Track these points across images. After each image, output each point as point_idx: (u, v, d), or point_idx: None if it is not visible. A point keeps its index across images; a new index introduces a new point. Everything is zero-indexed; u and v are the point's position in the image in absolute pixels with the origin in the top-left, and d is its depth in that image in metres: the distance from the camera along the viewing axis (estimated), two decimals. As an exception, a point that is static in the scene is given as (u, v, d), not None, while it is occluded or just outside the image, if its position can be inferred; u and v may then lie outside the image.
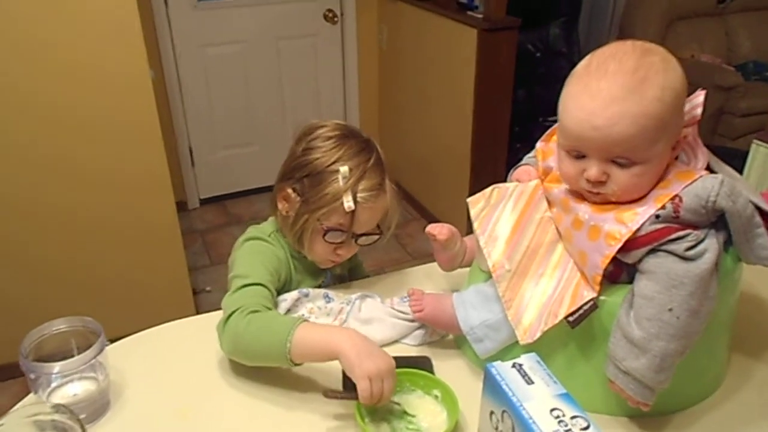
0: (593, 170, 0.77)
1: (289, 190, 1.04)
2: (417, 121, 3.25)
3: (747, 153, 1.51)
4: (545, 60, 3.33)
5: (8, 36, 1.77)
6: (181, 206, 3.25)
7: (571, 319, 0.78)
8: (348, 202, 0.98)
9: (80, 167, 2.00)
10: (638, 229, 0.75)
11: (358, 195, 0.99)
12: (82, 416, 0.81)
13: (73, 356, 0.82)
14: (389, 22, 3.31)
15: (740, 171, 1.44)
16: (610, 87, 0.73)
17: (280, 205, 1.06)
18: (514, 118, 2.73)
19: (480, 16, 2.57)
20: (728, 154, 1.11)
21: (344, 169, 0.98)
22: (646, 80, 0.72)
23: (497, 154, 2.71)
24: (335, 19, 3.31)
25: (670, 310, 0.73)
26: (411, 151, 3.38)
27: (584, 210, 0.81)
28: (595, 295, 0.79)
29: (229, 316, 0.90)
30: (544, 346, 0.85)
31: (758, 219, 0.75)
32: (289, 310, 1.06)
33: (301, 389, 0.92)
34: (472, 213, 0.91)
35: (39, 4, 1.77)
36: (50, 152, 1.94)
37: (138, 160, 2.07)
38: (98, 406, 0.85)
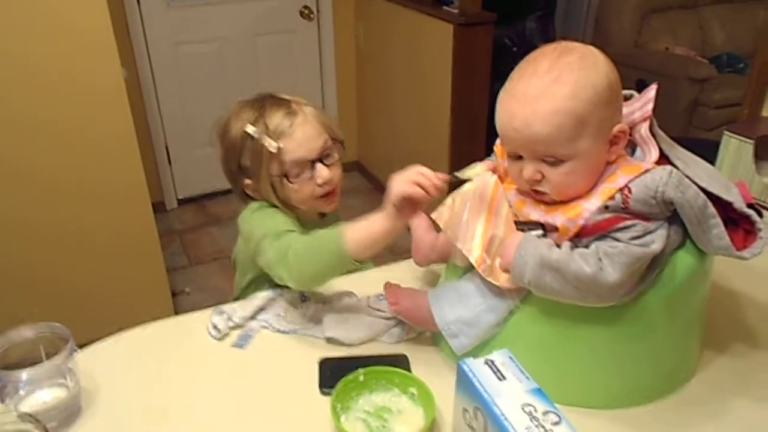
0: (527, 170, 0.80)
1: (245, 181, 1.10)
2: (395, 117, 3.24)
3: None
4: (522, 54, 3.28)
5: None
6: (159, 207, 3.21)
7: (518, 222, 0.84)
8: (269, 145, 1.03)
9: (53, 173, 1.96)
10: (586, 221, 0.78)
11: (274, 132, 1.04)
12: (52, 424, 0.81)
13: (41, 363, 0.81)
14: (366, 19, 3.30)
15: (713, 162, 1.45)
16: (526, 88, 0.76)
17: (254, 196, 1.11)
18: (491, 113, 2.73)
19: (455, 11, 2.57)
20: (703, 145, 1.12)
21: (249, 127, 1.04)
22: (558, 79, 0.75)
23: (475, 148, 2.72)
24: (311, 15, 3.29)
25: (600, 260, 0.76)
26: (389, 147, 3.37)
27: (536, 213, 0.83)
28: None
29: (283, 258, 0.94)
30: (518, 341, 0.85)
31: (711, 209, 0.76)
32: (262, 309, 1.05)
33: (276, 393, 0.91)
34: (441, 225, 0.91)
35: (7, 8, 1.73)
36: (20, 157, 1.90)
37: (113, 164, 2.04)
38: (69, 413, 0.84)
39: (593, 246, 0.78)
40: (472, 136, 2.72)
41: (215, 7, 3.12)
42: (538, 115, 0.75)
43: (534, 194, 0.83)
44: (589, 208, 0.78)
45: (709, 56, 3.75)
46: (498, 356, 0.68)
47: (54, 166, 1.95)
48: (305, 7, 3.26)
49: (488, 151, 0.98)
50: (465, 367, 0.67)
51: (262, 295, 1.07)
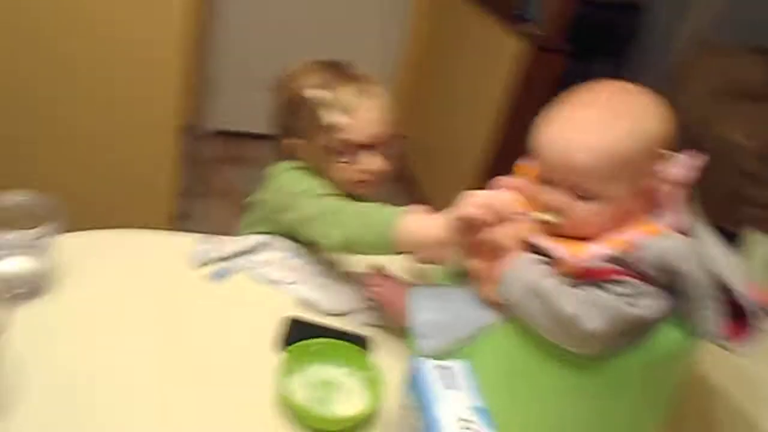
0: (553, 196, 0.78)
1: (294, 140, 1.07)
2: (443, 116, 3.21)
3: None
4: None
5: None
6: (191, 130, 3.23)
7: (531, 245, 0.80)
8: (337, 120, 1.00)
9: (91, 61, 1.96)
10: (591, 261, 0.75)
11: (341, 106, 1.01)
12: (19, 290, 0.82)
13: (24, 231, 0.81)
14: (443, 10, 3.26)
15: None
16: (580, 116, 0.74)
17: (292, 156, 1.08)
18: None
19: (535, 31, 2.52)
20: (733, 238, 1.09)
21: (318, 90, 1.02)
22: (617, 116, 0.73)
23: (508, 172, 2.68)
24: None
25: (585, 305, 0.73)
26: (432, 143, 3.34)
27: (542, 240, 0.81)
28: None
29: (326, 213, 0.93)
30: (485, 361, 0.84)
31: (716, 292, 0.73)
32: (252, 251, 1.05)
33: (235, 336, 0.91)
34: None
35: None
36: (62, 47, 1.91)
37: (152, 73, 2.02)
38: (35, 286, 0.85)
39: (585, 293, 0.77)
40: (512, 157, 2.68)
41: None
42: (584, 144, 0.73)
43: (543, 223, 0.81)
44: (595, 252, 0.76)
45: (765, 152, 3.65)
46: (455, 365, 0.67)
47: (93, 59, 1.96)
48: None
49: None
50: (418, 364, 0.66)
51: (256, 238, 1.07)
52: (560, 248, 0.79)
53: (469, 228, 0.79)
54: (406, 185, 3.50)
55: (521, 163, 0.92)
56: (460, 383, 0.65)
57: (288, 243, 1.07)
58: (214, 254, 1.02)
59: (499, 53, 2.70)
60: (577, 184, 0.76)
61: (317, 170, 1.06)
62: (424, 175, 3.37)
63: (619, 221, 0.78)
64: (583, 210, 0.76)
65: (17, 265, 0.83)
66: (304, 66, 1.08)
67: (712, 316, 0.74)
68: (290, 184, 1.03)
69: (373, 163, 1.06)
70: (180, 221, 2.59)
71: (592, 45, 3.30)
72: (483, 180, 2.87)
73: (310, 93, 1.02)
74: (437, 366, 0.66)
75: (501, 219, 0.79)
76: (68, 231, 0.92)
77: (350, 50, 3.39)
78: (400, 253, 0.88)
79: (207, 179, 3.03)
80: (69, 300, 0.88)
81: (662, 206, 0.82)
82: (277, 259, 1.04)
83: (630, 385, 0.82)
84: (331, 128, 1.01)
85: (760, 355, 0.77)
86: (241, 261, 1.03)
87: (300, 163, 1.08)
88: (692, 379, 0.93)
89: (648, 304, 0.74)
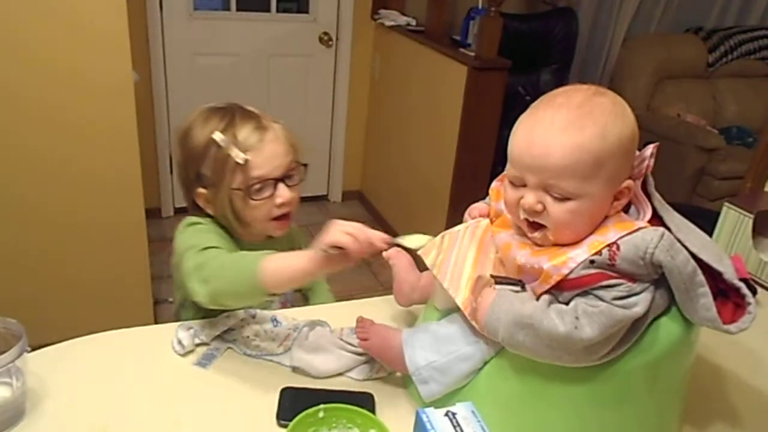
0: (529, 198, 0.76)
1: (199, 190, 1.05)
2: (401, 152, 3.24)
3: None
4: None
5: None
6: (155, 213, 3.19)
7: (497, 278, 0.81)
8: (237, 156, 0.99)
9: (51, 161, 1.95)
10: (570, 272, 0.75)
11: (243, 144, 1.01)
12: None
13: (-10, 359, 0.77)
14: (383, 51, 3.32)
15: (711, 232, 1.43)
16: (554, 117, 0.74)
17: (205, 208, 1.07)
18: (497, 157, 2.73)
19: (472, 54, 2.59)
20: (703, 215, 1.09)
21: (217, 134, 1.00)
22: (589, 115, 0.73)
23: (477, 191, 2.69)
24: (330, 42, 3.32)
25: (577, 318, 0.73)
26: (392, 181, 3.36)
27: (522, 254, 0.80)
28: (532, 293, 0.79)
29: (200, 268, 0.91)
30: (487, 395, 0.82)
31: (701, 278, 0.73)
32: (232, 329, 1.01)
33: (232, 418, 0.87)
34: (428, 262, 0.89)
35: (28, 3, 1.75)
36: (20, 144, 1.89)
37: (111, 160, 2.03)
38: (11, 414, 0.80)
39: (573, 303, 0.75)
40: (474, 179, 2.70)
41: (236, 23, 3.15)
42: (560, 145, 0.72)
43: (527, 226, 0.79)
44: (575, 258, 0.75)
45: (720, 127, 3.76)
46: (461, 409, 0.65)
47: (53, 153, 1.95)
48: (325, 33, 3.29)
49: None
50: (424, 417, 0.63)
51: (233, 315, 1.04)
52: (542, 259, 0.78)
53: (339, 256, 0.82)
54: (373, 227, 3.49)
55: (494, 186, 0.91)
56: (467, 427, 0.63)
57: (267, 313, 1.04)
58: (195, 341, 0.98)
59: (445, 80, 2.76)
60: (552, 185, 0.75)
61: (233, 216, 1.05)
62: (392, 215, 3.38)
63: (598, 221, 0.77)
64: (562, 211, 0.75)
65: (-11, 395, 0.79)
66: (199, 114, 1.06)
67: (703, 303, 0.73)
68: (184, 241, 1.00)
69: (285, 194, 1.05)
70: (162, 305, 2.53)
71: (533, 56, 3.38)
72: (453, 206, 2.88)
73: (213, 137, 1.01)
74: (445, 414, 0.63)
75: (370, 245, 0.81)
76: (42, 345, 0.88)
77: (297, 112, 3.45)
78: (273, 295, 0.89)
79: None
80: (55, 418, 0.83)
81: (634, 201, 0.82)
82: (262, 331, 1.01)
83: (637, 387, 0.80)
84: (239, 168, 1.00)
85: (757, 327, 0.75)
86: (220, 344, 1.00)
87: (200, 218, 1.06)
88: (700, 366, 0.92)
89: (639, 301, 0.73)
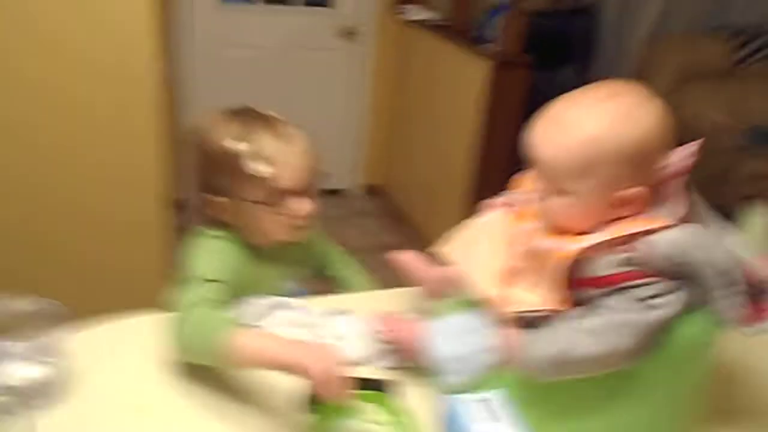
0: (538, 183, 0.81)
1: (217, 199, 1.01)
2: (423, 147, 3.25)
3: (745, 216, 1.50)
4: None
5: (17, 21, 1.77)
6: (180, 204, 3.23)
7: (522, 312, 0.80)
8: (262, 169, 0.96)
9: (74, 153, 1.98)
10: (605, 268, 0.75)
11: (266, 156, 0.97)
12: (34, 400, 0.80)
13: (32, 338, 0.80)
14: (406, 46, 3.33)
15: (739, 233, 1.42)
16: (558, 112, 0.77)
17: (221, 216, 1.03)
18: (519, 154, 2.73)
19: (495, 50, 2.58)
20: (730, 215, 1.09)
21: (239, 144, 0.97)
22: (588, 118, 0.74)
23: (498, 187, 2.70)
24: (353, 36, 3.33)
25: (612, 334, 0.74)
26: (414, 176, 3.37)
27: (544, 242, 0.82)
28: (555, 308, 0.79)
29: (182, 310, 0.88)
30: (511, 386, 0.83)
31: (734, 276, 0.73)
32: (262, 316, 1.04)
33: (260, 401, 0.89)
34: (453, 258, 0.91)
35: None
36: (48, 137, 1.92)
37: (133, 151, 2.04)
38: (51, 391, 0.83)
39: (604, 318, 0.75)
40: (495, 175, 2.70)
41: (261, 15, 3.18)
42: (552, 141, 0.75)
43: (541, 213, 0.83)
44: (595, 238, 0.76)
45: (746, 127, 3.71)
46: (494, 396, 0.66)
47: (76, 146, 1.97)
48: (348, 27, 3.31)
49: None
50: (456, 402, 0.65)
51: (264, 302, 1.06)
52: (563, 242, 0.78)
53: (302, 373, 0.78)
54: (394, 221, 3.51)
55: (516, 177, 0.93)
56: (501, 413, 0.64)
57: (294, 302, 1.06)
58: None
59: (467, 76, 2.76)
60: (548, 178, 0.78)
61: (251, 229, 1.03)
62: (413, 210, 3.39)
63: (591, 220, 0.78)
64: (556, 203, 0.79)
65: (30, 373, 0.82)
66: (216, 118, 1.02)
67: (731, 302, 0.74)
68: (193, 261, 0.97)
69: (303, 207, 1.03)
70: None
71: (554, 53, 3.36)
72: (472, 202, 2.89)
73: (230, 146, 0.97)
74: (476, 400, 0.65)
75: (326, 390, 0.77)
76: (71, 329, 0.91)
77: (320, 106, 3.45)
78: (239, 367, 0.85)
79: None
80: (89, 401, 0.86)
81: (664, 198, 0.82)
82: (290, 319, 1.03)
83: (660, 383, 0.81)
84: (260, 180, 0.97)
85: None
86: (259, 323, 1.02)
87: (217, 230, 1.03)
88: (720, 364, 0.92)
89: (668, 301, 0.74)
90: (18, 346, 0.79)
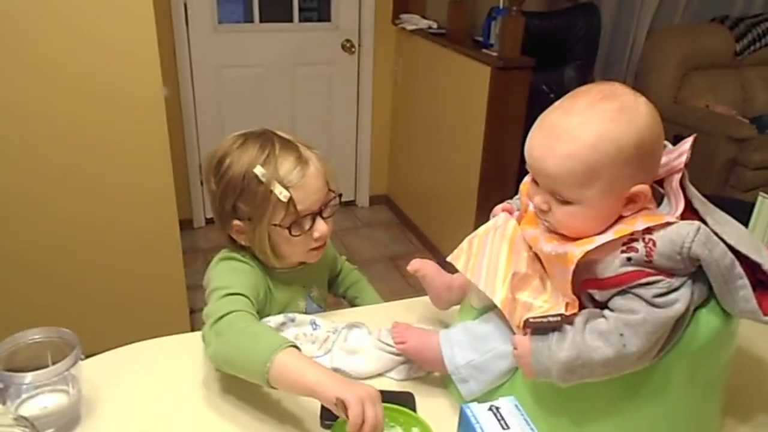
0: (537, 198, 0.80)
1: (235, 222, 1.02)
2: (427, 155, 3.25)
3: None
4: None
5: (26, 51, 1.80)
6: (187, 224, 3.25)
7: (531, 319, 0.79)
8: (280, 193, 0.96)
9: (86, 178, 2.01)
10: (608, 269, 0.75)
11: (285, 180, 0.98)
12: (50, 430, 0.80)
13: (46, 367, 0.81)
14: (405, 55, 3.34)
15: (746, 223, 1.41)
16: (554, 123, 0.76)
17: (237, 239, 1.05)
18: (524, 157, 2.72)
19: (495, 54, 2.59)
20: (737, 205, 1.08)
21: (258, 168, 0.97)
22: (585, 124, 0.73)
23: (505, 190, 2.70)
24: (353, 49, 3.35)
25: (621, 335, 0.74)
26: (419, 184, 3.38)
27: (549, 246, 0.81)
28: (564, 313, 0.78)
29: (218, 319, 0.89)
30: (529, 391, 0.82)
31: (739, 270, 0.73)
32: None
33: (277, 420, 0.89)
34: (459, 267, 0.90)
35: (58, 22, 1.81)
36: (57, 161, 1.95)
37: (144, 174, 2.08)
38: (68, 420, 0.83)
39: (612, 319, 0.75)
40: (502, 179, 2.70)
41: (260, 34, 3.20)
42: (554, 153, 0.74)
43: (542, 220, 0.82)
44: (600, 239, 0.76)
45: (750, 116, 3.69)
46: (504, 403, 0.66)
47: (88, 173, 2.00)
48: (347, 40, 3.32)
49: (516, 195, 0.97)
50: (468, 412, 0.64)
51: (273, 320, 1.06)
52: (568, 246, 0.78)
53: (338, 410, 0.77)
54: (403, 230, 3.51)
55: (526, 181, 0.92)
56: (513, 421, 0.64)
57: (306, 317, 1.06)
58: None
59: (468, 82, 2.76)
60: (553, 189, 0.77)
61: (270, 249, 1.03)
62: (421, 218, 3.39)
63: (608, 222, 0.78)
64: (563, 213, 0.78)
65: (48, 402, 0.82)
66: (234, 141, 1.02)
67: (743, 295, 0.73)
68: (215, 277, 0.99)
69: (323, 228, 1.04)
70: (197, 314, 2.58)
71: (556, 54, 3.36)
72: (479, 207, 2.87)
73: (248, 170, 0.97)
74: (489, 408, 0.65)
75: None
76: (87, 356, 0.91)
77: (323, 119, 3.46)
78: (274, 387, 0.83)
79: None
80: (108, 423, 0.86)
81: (665, 194, 0.82)
82: (301, 335, 1.03)
83: (679, 380, 0.80)
84: (281, 204, 0.97)
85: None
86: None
87: (235, 252, 1.04)
88: (741, 356, 0.91)
89: (676, 298, 0.73)
90: (32, 376, 0.79)
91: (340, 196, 1.07)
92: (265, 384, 0.83)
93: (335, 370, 0.97)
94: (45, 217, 2.00)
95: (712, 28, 3.90)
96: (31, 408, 0.82)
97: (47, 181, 1.97)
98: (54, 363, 0.82)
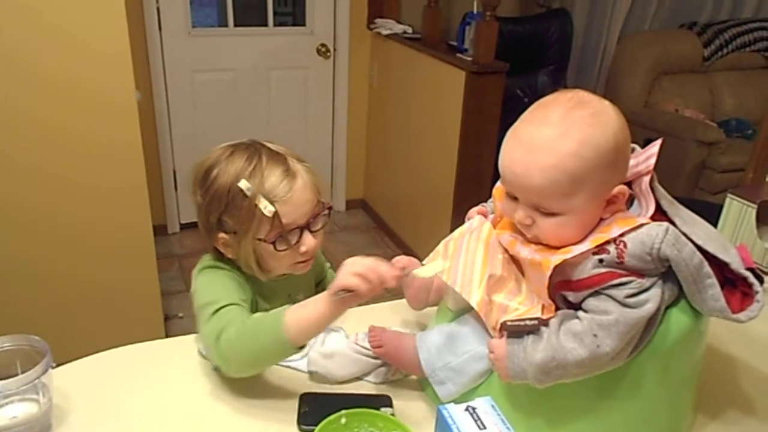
0: (519, 213, 0.79)
1: (220, 235, 1.00)
2: (403, 159, 3.26)
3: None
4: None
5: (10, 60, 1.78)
6: (161, 230, 3.21)
7: (509, 323, 0.80)
8: (265, 208, 0.94)
9: (59, 180, 1.98)
10: (581, 272, 0.76)
11: (271, 194, 0.95)
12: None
13: (15, 376, 0.79)
14: (380, 60, 3.35)
15: (715, 224, 1.44)
16: (532, 136, 0.75)
17: (224, 252, 1.03)
18: (498, 160, 2.75)
19: (469, 58, 2.61)
20: (706, 207, 1.11)
21: (243, 182, 0.94)
22: (565, 134, 0.73)
23: (480, 194, 2.71)
24: (328, 53, 3.35)
25: (595, 336, 0.75)
26: (395, 188, 3.38)
27: (527, 250, 0.82)
28: (540, 316, 0.79)
29: (216, 341, 0.88)
30: (505, 391, 0.83)
31: (707, 269, 0.74)
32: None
33: (253, 426, 0.89)
34: (435, 270, 0.89)
35: (32, 22, 1.78)
36: (27, 161, 1.92)
37: (117, 178, 2.05)
38: (38, 429, 0.82)
39: (585, 321, 0.76)
40: (477, 182, 2.72)
41: (234, 39, 3.19)
42: (537, 166, 0.74)
43: (525, 233, 0.82)
44: (578, 249, 0.77)
45: (718, 120, 3.78)
46: (480, 404, 0.66)
47: (59, 172, 1.98)
48: (322, 44, 3.32)
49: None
50: (445, 413, 0.65)
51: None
52: (546, 254, 0.79)
53: (351, 298, 0.83)
54: (379, 235, 3.52)
55: (498, 186, 0.93)
56: (489, 421, 0.64)
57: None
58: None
59: (443, 86, 2.78)
60: (537, 203, 0.77)
61: (254, 265, 1.01)
62: (397, 222, 3.40)
63: (591, 227, 0.79)
64: (549, 224, 0.77)
65: (18, 411, 0.80)
66: (221, 152, 1.00)
67: (712, 293, 0.75)
68: (199, 289, 0.98)
69: (310, 242, 1.02)
70: (172, 321, 2.55)
71: (529, 58, 3.41)
72: (455, 211, 2.89)
73: (234, 183, 0.95)
74: (465, 409, 0.65)
75: (382, 284, 0.82)
76: (59, 363, 0.89)
77: (298, 124, 3.45)
78: (302, 347, 0.88)
79: (185, 275, 2.99)
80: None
81: (636, 196, 0.83)
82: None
83: (652, 378, 0.81)
84: (266, 218, 0.95)
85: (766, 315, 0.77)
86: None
87: (218, 261, 1.03)
88: (711, 355, 0.93)
89: (647, 298, 0.75)
90: (0, 385, 0.77)
91: (330, 208, 1.05)
92: (296, 350, 0.88)
93: (312, 374, 0.97)
94: (13, 218, 1.97)
95: (681, 33, 3.99)
96: (0, 417, 0.80)
97: (17, 181, 1.93)
98: (23, 371, 0.80)
